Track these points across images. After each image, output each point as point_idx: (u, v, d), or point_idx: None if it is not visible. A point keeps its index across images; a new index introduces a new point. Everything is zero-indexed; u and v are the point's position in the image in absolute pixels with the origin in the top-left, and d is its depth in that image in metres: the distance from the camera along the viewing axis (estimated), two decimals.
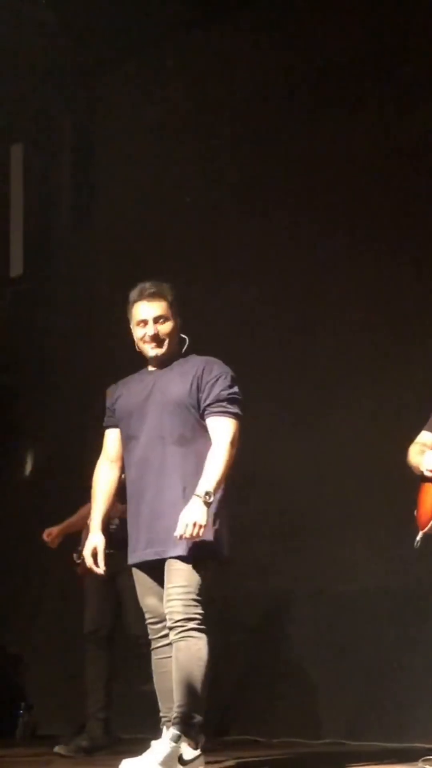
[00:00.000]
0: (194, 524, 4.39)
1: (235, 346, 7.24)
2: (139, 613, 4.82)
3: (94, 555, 4.70)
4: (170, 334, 4.74)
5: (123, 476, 4.82)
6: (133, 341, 4.81)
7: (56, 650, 8.02)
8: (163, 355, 4.74)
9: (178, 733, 4.35)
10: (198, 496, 4.44)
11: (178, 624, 4.45)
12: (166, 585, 4.53)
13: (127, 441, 4.75)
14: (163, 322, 4.72)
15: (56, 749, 5.77)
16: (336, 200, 7.35)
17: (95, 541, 4.71)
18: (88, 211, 9.10)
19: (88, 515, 5.95)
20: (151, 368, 4.82)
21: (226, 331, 7.57)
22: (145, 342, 4.73)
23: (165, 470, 4.59)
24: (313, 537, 7.00)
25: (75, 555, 6.03)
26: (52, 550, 6.47)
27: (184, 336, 4.81)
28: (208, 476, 4.48)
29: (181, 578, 4.49)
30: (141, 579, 4.72)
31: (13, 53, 9.06)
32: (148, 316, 4.71)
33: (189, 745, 4.37)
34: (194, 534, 4.39)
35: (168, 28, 8.39)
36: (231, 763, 5.21)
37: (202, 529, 4.41)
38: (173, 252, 8.17)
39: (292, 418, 7.19)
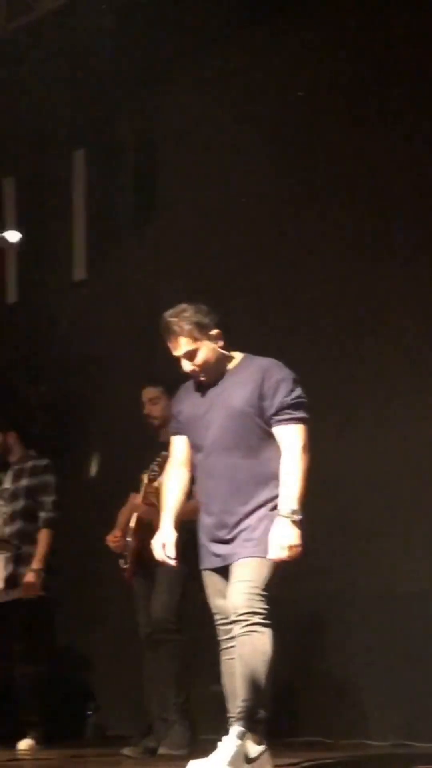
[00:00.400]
0: (288, 547, 4.40)
1: (295, 344, 7.26)
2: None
3: (164, 547, 4.70)
4: (207, 360, 4.69)
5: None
6: None
7: (124, 651, 8.05)
8: (210, 377, 4.73)
9: (243, 729, 4.33)
10: (284, 516, 4.42)
11: (242, 617, 4.43)
12: (231, 581, 4.53)
13: (193, 451, 4.78)
14: (193, 353, 4.69)
15: (124, 751, 5.81)
16: (403, 202, 7.30)
17: (166, 534, 4.72)
18: (150, 215, 9.15)
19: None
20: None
21: (287, 330, 7.57)
22: (191, 374, 4.74)
23: (233, 480, 4.58)
24: (372, 539, 6.97)
25: (121, 561, 6.07)
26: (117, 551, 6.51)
27: (223, 351, 4.75)
28: (289, 492, 4.45)
29: (247, 573, 4.48)
30: (210, 581, 4.73)
31: (75, 59, 9.16)
32: (177, 354, 4.72)
33: (254, 741, 4.37)
34: (291, 556, 4.39)
35: (230, 30, 8.40)
36: (306, 763, 5.20)
37: (297, 549, 4.41)
38: (235, 253, 8.19)
39: (351, 418, 7.16)
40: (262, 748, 4.43)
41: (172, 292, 8.32)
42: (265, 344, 5.04)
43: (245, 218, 8.26)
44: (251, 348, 4.89)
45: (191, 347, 4.66)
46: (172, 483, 4.84)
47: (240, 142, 8.29)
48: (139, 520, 6.00)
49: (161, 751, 5.62)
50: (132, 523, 6.09)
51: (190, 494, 4.86)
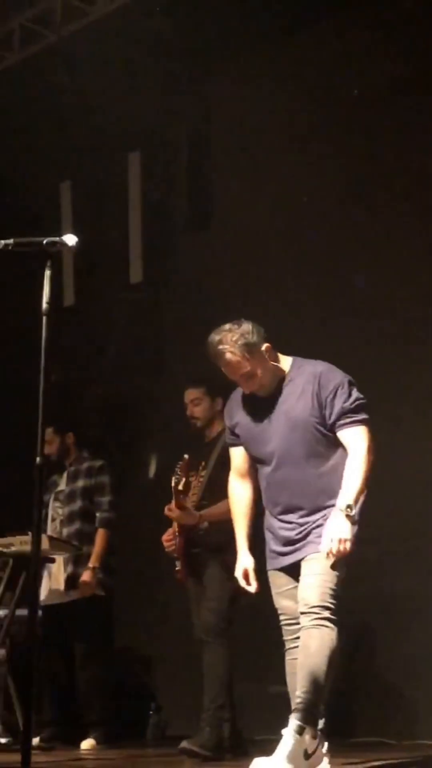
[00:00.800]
0: (339, 540, 4.39)
1: (355, 343, 7.23)
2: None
3: (246, 576, 4.74)
4: (263, 377, 4.68)
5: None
6: None
7: (185, 652, 8.07)
8: (266, 390, 4.71)
9: (301, 724, 4.32)
10: (340, 509, 4.43)
11: (313, 610, 4.43)
12: (301, 575, 4.53)
13: (256, 463, 4.78)
14: (250, 375, 4.67)
15: (181, 745, 5.80)
16: None
17: (245, 562, 4.77)
18: (205, 217, 9.16)
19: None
20: (263, 391, 4.78)
21: (345, 330, 7.54)
22: (247, 390, 4.74)
23: (305, 492, 4.60)
24: (424, 540, 6.92)
25: (176, 563, 6.09)
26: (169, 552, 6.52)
27: (275, 364, 4.73)
28: (349, 489, 4.46)
29: (318, 568, 4.48)
30: (277, 582, 4.73)
31: (128, 62, 9.20)
32: (230, 375, 4.72)
33: (312, 736, 4.35)
34: (341, 549, 4.38)
35: (283, 28, 8.40)
36: (363, 764, 5.19)
37: (347, 544, 4.40)
38: (291, 254, 8.17)
39: (404, 418, 7.12)
40: (316, 742, 4.43)
41: (227, 294, 8.39)
42: (323, 346, 5.02)
43: (301, 218, 8.24)
44: (311, 351, 4.88)
45: (246, 369, 4.64)
46: (240, 502, 4.87)
47: (294, 141, 8.28)
48: (179, 525, 6.04)
49: (184, 744, 5.63)
50: (175, 527, 6.12)
51: (257, 503, 4.88)
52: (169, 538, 6.19)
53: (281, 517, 4.64)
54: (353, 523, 4.42)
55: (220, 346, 4.65)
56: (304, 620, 4.46)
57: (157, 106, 9.27)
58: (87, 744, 6.65)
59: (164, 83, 9.11)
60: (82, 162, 9.91)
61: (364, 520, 4.46)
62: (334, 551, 4.38)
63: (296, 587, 4.60)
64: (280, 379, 4.71)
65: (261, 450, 4.69)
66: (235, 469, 4.89)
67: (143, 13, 8.91)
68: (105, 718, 6.89)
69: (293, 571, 4.62)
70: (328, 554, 4.39)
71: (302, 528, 4.57)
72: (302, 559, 4.57)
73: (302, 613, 4.47)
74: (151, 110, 9.30)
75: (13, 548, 6.35)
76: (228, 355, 4.64)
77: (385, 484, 6.69)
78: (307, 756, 4.34)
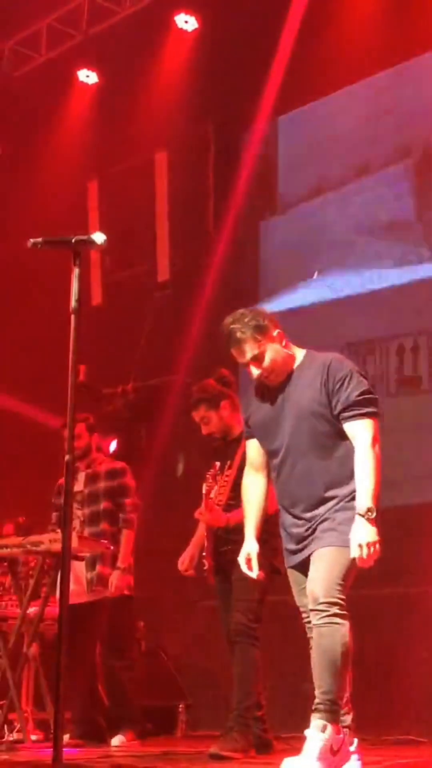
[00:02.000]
0: (367, 544, 4.36)
1: None
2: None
3: (248, 561, 4.73)
4: (274, 361, 4.65)
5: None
6: None
7: (213, 650, 8.09)
8: (278, 379, 4.68)
9: (324, 722, 4.30)
10: (361, 515, 4.39)
11: (321, 607, 4.40)
12: (312, 572, 4.50)
13: (267, 455, 4.77)
14: (260, 357, 4.65)
15: (211, 751, 5.80)
16: None
17: (249, 548, 4.74)
18: (231, 215, 9.17)
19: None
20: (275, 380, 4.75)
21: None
22: (257, 379, 4.70)
23: (311, 483, 4.57)
24: None
25: (203, 563, 6.09)
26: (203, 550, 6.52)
27: (287, 351, 4.71)
28: (365, 491, 4.41)
29: (325, 563, 4.45)
30: (294, 579, 4.73)
31: (155, 61, 9.24)
32: (244, 361, 4.69)
33: (336, 732, 4.34)
34: (371, 553, 4.36)
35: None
36: (405, 760, 5.18)
37: (377, 546, 4.38)
38: (318, 252, 8.17)
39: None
40: (341, 736, 4.42)
41: (253, 293, 8.41)
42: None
43: (329, 216, 8.24)
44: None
45: (256, 351, 4.63)
46: (251, 492, 4.85)
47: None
48: (208, 527, 6.04)
49: (213, 750, 5.63)
50: (204, 529, 6.12)
51: (268, 495, 4.87)
52: (183, 562, 6.24)
53: (291, 510, 4.62)
54: (375, 524, 4.39)
55: (232, 326, 4.68)
56: (314, 618, 4.44)
57: (184, 105, 9.28)
58: (117, 740, 6.66)
59: (190, 81, 9.13)
60: (108, 161, 9.93)
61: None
62: (365, 557, 4.36)
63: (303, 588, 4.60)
64: (291, 369, 4.71)
65: (271, 440, 4.68)
66: (249, 462, 4.87)
67: (169, 12, 8.93)
68: (133, 716, 6.90)
69: (306, 568, 4.59)
70: (359, 561, 4.37)
71: (310, 524, 4.54)
72: (310, 555, 4.57)
73: (311, 610, 4.45)
74: (177, 109, 9.32)
75: (42, 546, 6.37)
76: (238, 334, 4.65)
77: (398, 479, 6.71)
78: (334, 752, 4.32)
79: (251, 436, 4.85)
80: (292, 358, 4.70)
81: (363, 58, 8.39)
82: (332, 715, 4.32)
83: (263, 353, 4.63)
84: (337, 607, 4.39)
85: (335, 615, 4.38)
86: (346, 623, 4.39)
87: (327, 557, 4.46)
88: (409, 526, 7.37)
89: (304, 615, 4.71)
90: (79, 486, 7.02)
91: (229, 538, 5.75)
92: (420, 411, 8.01)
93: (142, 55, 9.59)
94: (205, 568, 6.08)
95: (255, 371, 4.66)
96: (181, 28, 9.60)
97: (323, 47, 8.56)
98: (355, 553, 4.36)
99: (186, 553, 6.27)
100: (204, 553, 6.06)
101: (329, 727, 4.29)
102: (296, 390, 4.63)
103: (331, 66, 8.54)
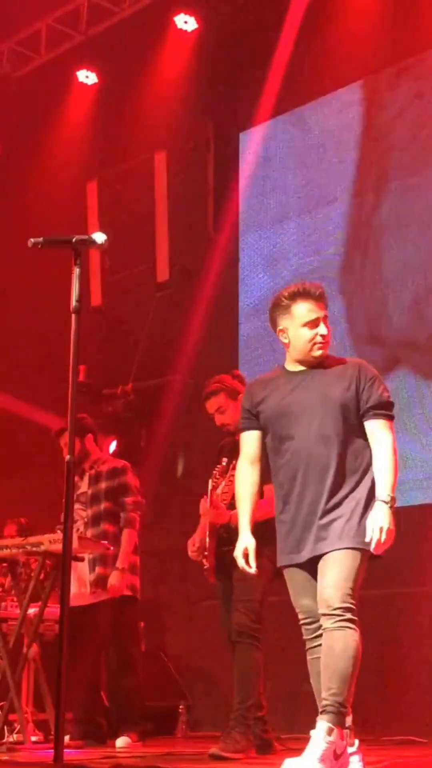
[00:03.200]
0: (383, 529, 4.39)
1: None
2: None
3: (245, 556, 4.69)
4: (330, 336, 4.72)
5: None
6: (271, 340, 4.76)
7: (214, 650, 8.09)
8: (323, 357, 4.71)
9: (331, 725, 4.30)
10: (383, 501, 4.44)
11: (336, 612, 4.38)
12: (322, 575, 4.47)
13: (278, 442, 4.71)
14: (328, 322, 4.71)
15: (211, 752, 5.80)
16: None
17: (246, 542, 4.71)
18: (231, 215, 9.17)
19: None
20: (295, 368, 4.75)
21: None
22: (315, 343, 4.67)
23: (330, 470, 4.55)
24: None
25: (204, 561, 6.08)
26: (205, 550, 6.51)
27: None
28: (387, 481, 4.48)
29: (340, 566, 4.44)
30: (295, 580, 4.70)
31: (154, 61, 9.24)
32: (319, 316, 4.68)
33: (340, 736, 4.33)
34: (384, 539, 4.39)
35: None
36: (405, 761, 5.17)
37: (393, 535, 4.41)
38: (326, 249, 8.16)
39: None
40: (344, 742, 4.42)
41: (256, 291, 8.41)
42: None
43: (333, 216, 8.24)
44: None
45: (325, 312, 4.70)
46: (245, 485, 4.81)
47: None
48: (211, 524, 6.02)
49: (213, 750, 5.62)
50: (207, 527, 6.10)
51: (261, 493, 4.84)
52: (193, 545, 6.18)
53: (297, 500, 4.60)
54: (394, 514, 4.43)
55: (315, 285, 4.76)
56: (326, 622, 4.42)
57: (184, 105, 9.28)
58: (122, 741, 6.64)
59: (189, 81, 9.13)
60: (108, 161, 9.93)
61: None
62: (382, 541, 4.38)
63: (314, 584, 4.56)
64: (322, 356, 4.70)
65: (287, 425, 4.65)
66: (245, 455, 4.82)
67: (166, 13, 8.93)
68: (134, 718, 6.88)
69: (311, 567, 4.56)
70: (374, 547, 4.38)
71: (322, 520, 4.52)
72: (320, 554, 4.53)
73: (324, 614, 4.43)
74: (176, 109, 9.32)
75: (42, 547, 6.36)
76: (322, 291, 4.72)
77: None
78: (337, 756, 4.33)
79: (251, 427, 4.82)
80: None
81: (363, 57, 8.39)
82: (339, 718, 4.33)
83: (327, 318, 4.71)
84: (351, 612, 4.40)
85: (350, 620, 4.39)
86: (357, 630, 4.41)
87: (342, 561, 4.45)
88: (410, 526, 7.37)
89: (301, 617, 4.67)
90: (83, 487, 7.01)
91: (231, 538, 5.70)
92: None
93: (141, 55, 9.59)
94: (206, 567, 6.06)
95: (319, 331, 4.66)
96: (181, 29, 9.59)
97: (323, 47, 8.56)
98: (370, 535, 4.39)
99: (196, 536, 6.21)
100: (205, 553, 6.05)
101: (335, 731, 4.29)
102: (323, 381, 4.66)
103: (330, 66, 8.54)
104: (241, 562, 4.72)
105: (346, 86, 8.63)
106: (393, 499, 4.45)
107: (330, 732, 4.29)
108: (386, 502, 4.44)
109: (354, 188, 8.45)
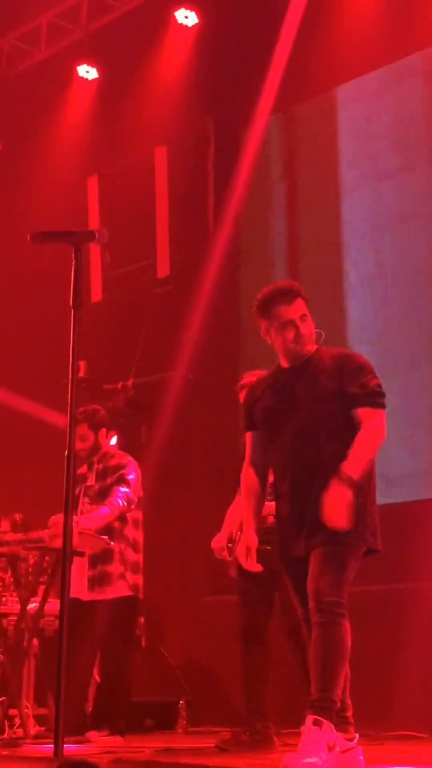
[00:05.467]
0: (334, 505, 4.35)
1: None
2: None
3: (249, 554, 4.70)
4: (310, 329, 4.70)
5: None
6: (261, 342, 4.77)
7: (215, 646, 8.10)
8: (304, 351, 4.69)
9: (321, 719, 4.28)
10: (343, 479, 4.38)
11: (327, 606, 4.38)
12: (312, 570, 4.46)
13: (273, 438, 4.72)
14: (305, 318, 4.70)
15: (216, 745, 5.81)
16: None
17: (250, 541, 4.71)
18: (232, 211, 9.16)
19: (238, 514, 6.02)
20: (284, 366, 4.75)
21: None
22: (295, 343, 4.67)
23: (320, 465, 4.53)
24: None
25: (226, 555, 6.07)
26: (207, 546, 6.50)
27: (320, 331, 4.78)
28: (356, 462, 4.43)
29: (330, 561, 4.43)
30: (294, 574, 4.71)
31: (154, 55, 9.23)
32: (294, 317, 4.68)
33: (330, 728, 4.31)
34: (335, 515, 4.34)
35: None
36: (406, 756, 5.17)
37: (344, 512, 4.35)
38: (322, 246, 8.16)
39: None
40: (347, 736, 4.42)
41: (255, 287, 8.38)
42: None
43: (332, 211, 8.23)
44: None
45: (304, 311, 4.69)
46: (251, 485, 4.82)
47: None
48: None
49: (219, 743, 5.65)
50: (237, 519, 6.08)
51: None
52: (220, 542, 6.16)
53: (291, 495, 4.58)
54: (352, 489, 4.38)
55: (286, 284, 4.79)
56: (315, 616, 4.41)
57: (184, 100, 9.27)
58: (93, 735, 6.60)
59: (189, 76, 9.12)
60: (108, 157, 9.93)
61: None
62: (330, 518, 4.35)
63: (305, 579, 4.50)
64: (310, 351, 4.70)
65: (279, 422, 4.66)
66: (248, 455, 4.82)
67: (166, 9, 8.92)
68: (113, 714, 6.80)
69: (304, 561, 4.53)
70: (326, 518, 4.36)
71: (312, 516, 4.51)
72: (312, 548, 4.50)
73: (314, 608, 4.42)
74: (177, 104, 9.31)
75: (42, 543, 6.35)
76: (296, 289, 4.73)
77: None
78: (330, 749, 4.31)
79: (252, 428, 4.83)
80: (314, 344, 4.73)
81: (365, 51, 8.38)
82: (329, 712, 4.31)
83: (307, 316, 4.70)
84: (340, 606, 4.39)
85: (339, 614, 4.38)
86: (347, 623, 4.40)
87: (331, 555, 4.44)
88: (409, 522, 7.38)
89: (301, 611, 4.67)
90: (90, 481, 6.99)
91: (267, 538, 5.56)
92: None
93: (142, 50, 9.58)
94: (229, 560, 6.05)
95: (291, 333, 4.66)
96: (181, 24, 9.59)
97: (324, 41, 8.56)
98: (327, 517, 4.35)
99: (221, 535, 6.19)
100: (230, 545, 6.03)
101: (325, 724, 4.28)
102: (310, 375, 4.66)
103: (332, 60, 8.54)
104: (242, 560, 4.72)
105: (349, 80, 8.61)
106: (351, 478, 4.38)
107: (320, 725, 4.27)
108: (343, 479, 4.38)
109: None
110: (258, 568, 4.71)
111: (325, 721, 4.28)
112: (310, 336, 4.71)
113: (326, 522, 4.38)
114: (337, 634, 4.37)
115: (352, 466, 4.43)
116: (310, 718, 4.29)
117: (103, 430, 7.09)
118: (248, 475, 4.85)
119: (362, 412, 4.56)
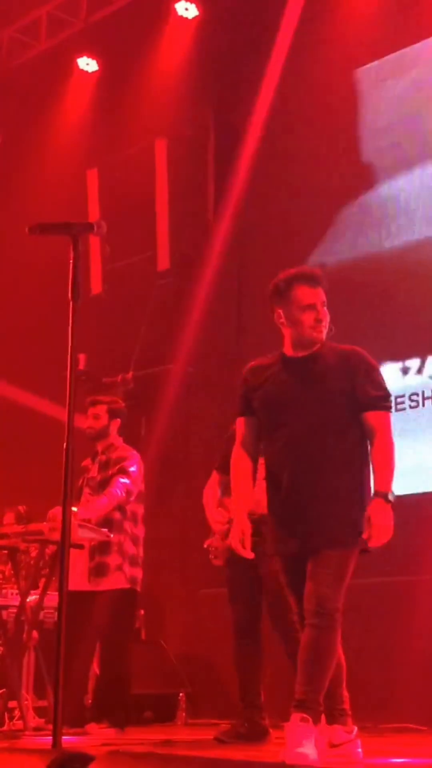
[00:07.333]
0: (380, 526, 4.35)
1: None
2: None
3: (242, 541, 4.63)
4: (328, 322, 4.66)
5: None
6: (271, 324, 4.72)
7: (214, 638, 8.11)
8: (319, 341, 4.64)
9: (308, 716, 4.28)
10: (381, 496, 4.40)
11: (324, 611, 4.37)
12: (312, 573, 4.44)
13: (272, 429, 4.66)
14: (325, 306, 4.65)
15: (215, 737, 5.82)
16: None
17: (244, 528, 4.64)
18: (232, 203, 9.15)
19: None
20: (291, 354, 4.68)
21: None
22: (312, 329, 4.61)
23: (325, 460, 4.51)
24: None
25: (211, 544, 6.07)
26: (203, 539, 6.50)
27: (331, 326, 4.73)
28: (385, 475, 4.45)
29: (331, 567, 4.42)
30: (289, 569, 4.66)
31: (156, 49, 9.22)
32: (316, 301, 4.62)
33: (314, 727, 4.30)
34: (382, 535, 4.35)
35: None
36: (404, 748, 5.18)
37: (390, 529, 4.38)
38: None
39: None
40: (346, 729, 4.43)
41: (257, 280, 8.38)
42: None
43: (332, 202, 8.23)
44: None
45: (324, 299, 4.64)
46: (242, 471, 4.75)
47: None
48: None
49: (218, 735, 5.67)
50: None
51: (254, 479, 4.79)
52: (214, 544, 6.17)
53: (289, 490, 4.53)
54: (392, 509, 4.39)
55: (313, 269, 4.76)
56: (315, 619, 4.39)
57: (184, 92, 9.26)
58: (92, 728, 6.61)
59: (192, 69, 9.11)
60: (108, 149, 9.92)
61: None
62: (380, 538, 4.36)
63: (303, 576, 4.49)
64: (320, 341, 4.65)
65: (282, 412, 4.60)
66: (240, 441, 4.76)
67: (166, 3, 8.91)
68: (113, 706, 6.80)
69: (303, 559, 4.52)
70: (370, 542, 4.35)
71: (312, 514, 4.50)
72: (311, 548, 4.48)
73: (310, 611, 4.40)
74: (177, 96, 9.31)
75: (42, 535, 6.35)
76: (319, 275, 4.69)
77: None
78: (319, 743, 4.30)
79: (245, 413, 4.76)
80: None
81: (366, 42, 8.37)
82: (315, 713, 4.31)
83: (326, 303, 4.67)
84: (337, 612, 4.41)
85: (337, 621, 4.40)
86: (339, 629, 4.41)
87: (333, 560, 4.44)
88: (412, 514, 7.37)
89: (296, 609, 4.65)
90: (93, 472, 6.98)
91: (260, 527, 5.55)
92: None
93: (142, 42, 9.56)
94: (215, 548, 6.05)
95: (312, 316, 4.61)
96: (182, 16, 9.57)
97: (324, 33, 8.55)
98: (369, 532, 4.37)
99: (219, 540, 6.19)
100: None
101: (311, 723, 4.27)
102: (319, 370, 4.61)
103: (332, 51, 8.53)
104: (236, 547, 4.67)
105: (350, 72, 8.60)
106: (391, 493, 4.41)
107: (306, 722, 4.26)
108: (384, 497, 4.40)
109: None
110: (251, 555, 4.65)
111: (311, 720, 4.27)
112: (326, 326, 4.66)
113: (375, 541, 4.38)
114: (333, 640, 4.40)
115: (384, 482, 4.45)
116: (296, 715, 4.28)
117: (118, 420, 7.09)
118: (240, 460, 4.77)
119: (372, 416, 4.55)
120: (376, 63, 8.54)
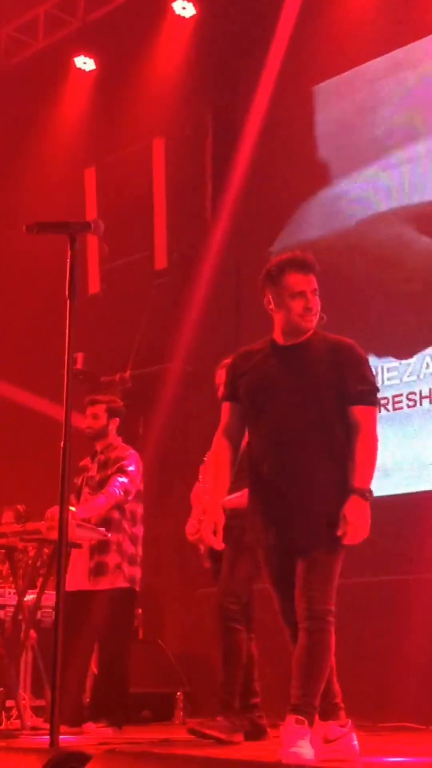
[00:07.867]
0: (355, 523, 4.30)
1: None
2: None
3: (215, 532, 4.54)
4: (318, 310, 4.58)
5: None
6: (261, 311, 4.64)
7: (211, 637, 8.10)
8: (308, 330, 4.57)
9: (302, 718, 4.26)
10: (358, 493, 4.34)
11: (317, 614, 4.35)
12: (302, 576, 4.40)
13: (255, 416, 4.57)
14: (315, 296, 4.56)
15: (189, 729, 5.80)
16: None
17: (217, 518, 4.55)
18: (229, 203, 9.15)
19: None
20: (279, 342, 4.61)
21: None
22: (301, 317, 4.52)
23: (306, 452, 4.44)
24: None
25: (200, 547, 6.08)
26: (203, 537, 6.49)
27: (323, 314, 4.63)
28: (365, 473, 4.39)
29: (323, 571, 4.39)
30: (268, 561, 4.59)
31: (154, 48, 9.21)
32: (306, 288, 4.54)
33: (309, 730, 4.29)
34: (357, 532, 4.31)
35: None
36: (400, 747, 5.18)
37: (366, 527, 4.34)
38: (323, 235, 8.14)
39: None
40: (340, 723, 4.44)
41: (254, 279, 8.37)
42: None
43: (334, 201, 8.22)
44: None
45: (315, 287, 4.55)
46: (221, 459, 4.66)
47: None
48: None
49: (193, 726, 5.66)
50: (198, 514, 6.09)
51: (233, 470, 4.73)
52: (192, 527, 6.15)
53: (269, 480, 4.47)
54: (369, 505, 4.35)
55: (304, 255, 4.62)
56: (307, 622, 4.36)
57: (182, 91, 9.27)
58: (90, 726, 6.61)
59: (188, 67, 9.11)
60: (106, 148, 9.92)
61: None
62: (355, 536, 4.33)
63: (288, 573, 4.44)
64: (309, 330, 4.58)
65: (265, 399, 4.53)
66: (225, 428, 4.68)
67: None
68: (111, 706, 6.80)
69: (285, 553, 4.47)
70: (346, 538, 4.31)
71: (293, 507, 4.42)
72: (298, 545, 4.42)
73: (305, 615, 4.36)
74: (175, 96, 9.31)
75: (39, 534, 6.35)
76: (313, 265, 4.58)
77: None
78: (314, 743, 4.30)
79: (230, 399, 4.68)
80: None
81: (363, 41, 8.37)
82: (310, 717, 4.30)
83: (317, 291, 4.58)
84: (331, 615, 4.38)
85: (330, 623, 4.38)
86: (334, 631, 4.39)
87: (322, 562, 4.40)
88: (407, 514, 7.38)
89: (277, 606, 4.61)
90: (92, 471, 6.98)
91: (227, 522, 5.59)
92: None
93: (139, 41, 9.57)
94: (202, 552, 6.06)
95: (301, 304, 4.52)
96: (179, 15, 9.57)
97: (322, 32, 8.55)
98: (345, 529, 4.31)
99: (193, 520, 6.19)
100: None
101: (306, 725, 4.27)
102: (307, 359, 4.54)
103: (330, 50, 8.53)
104: (209, 538, 4.58)
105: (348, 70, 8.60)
106: (369, 491, 4.35)
107: (302, 724, 4.26)
108: (362, 495, 4.34)
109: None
110: (221, 545, 4.57)
111: (306, 722, 4.27)
112: (316, 314, 4.57)
113: (350, 539, 4.33)
114: (326, 643, 4.37)
115: (363, 478, 4.39)
116: (291, 717, 4.27)
117: (117, 420, 7.08)
118: (221, 446, 4.68)
119: (358, 411, 4.47)
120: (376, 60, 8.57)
